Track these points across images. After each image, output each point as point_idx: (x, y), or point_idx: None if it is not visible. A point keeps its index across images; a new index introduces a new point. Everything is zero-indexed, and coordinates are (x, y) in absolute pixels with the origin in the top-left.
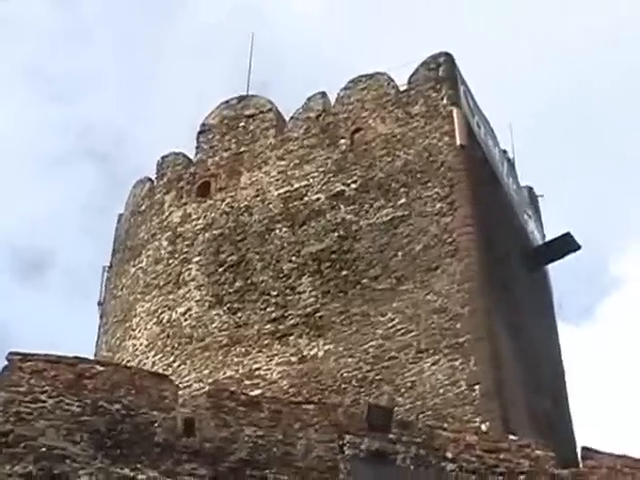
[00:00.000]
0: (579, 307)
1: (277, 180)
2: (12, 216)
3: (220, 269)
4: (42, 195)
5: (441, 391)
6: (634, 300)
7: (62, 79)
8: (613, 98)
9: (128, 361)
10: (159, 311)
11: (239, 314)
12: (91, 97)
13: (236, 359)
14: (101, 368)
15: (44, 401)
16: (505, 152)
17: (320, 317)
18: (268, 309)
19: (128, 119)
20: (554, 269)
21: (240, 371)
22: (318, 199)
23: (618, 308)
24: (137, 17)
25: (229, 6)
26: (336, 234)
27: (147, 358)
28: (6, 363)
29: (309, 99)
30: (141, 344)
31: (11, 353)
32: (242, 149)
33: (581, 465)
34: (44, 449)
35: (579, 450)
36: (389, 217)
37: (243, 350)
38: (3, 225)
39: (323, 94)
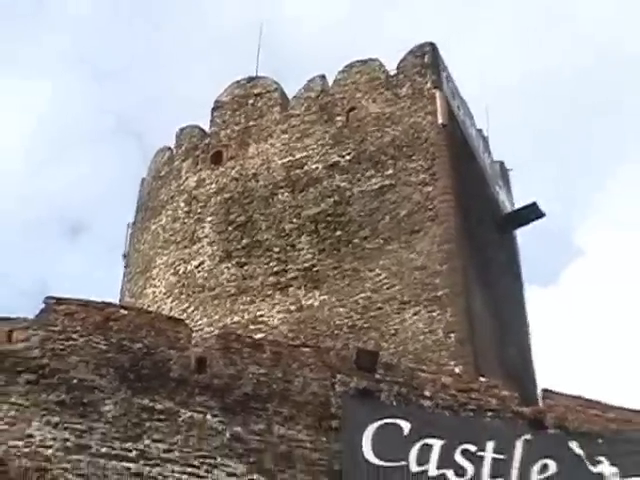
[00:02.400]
0: (546, 271)
1: (280, 151)
2: (59, 183)
3: (229, 228)
4: (86, 166)
5: (421, 338)
6: (594, 268)
7: (106, 67)
8: (581, 83)
9: (148, 306)
10: (176, 264)
11: (245, 267)
12: (127, 85)
13: (242, 307)
14: (125, 312)
15: (75, 339)
16: (480, 131)
17: (316, 271)
18: (271, 263)
19: (155, 100)
20: (522, 235)
21: (246, 317)
22: (316, 168)
23: (580, 274)
24: (168, 9)
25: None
26: (331, 199)
27: (165, 304)
28: (43, 306)
29: (310, 81)
30: (160, 292)
31: (47, 298)
32: (250, 123)
33: (541, 404)
34: (75, 381)
35: (540, 391)
36: (378, 185)
37: (248, 299)
38: (51, 191)
39: (322, 77)
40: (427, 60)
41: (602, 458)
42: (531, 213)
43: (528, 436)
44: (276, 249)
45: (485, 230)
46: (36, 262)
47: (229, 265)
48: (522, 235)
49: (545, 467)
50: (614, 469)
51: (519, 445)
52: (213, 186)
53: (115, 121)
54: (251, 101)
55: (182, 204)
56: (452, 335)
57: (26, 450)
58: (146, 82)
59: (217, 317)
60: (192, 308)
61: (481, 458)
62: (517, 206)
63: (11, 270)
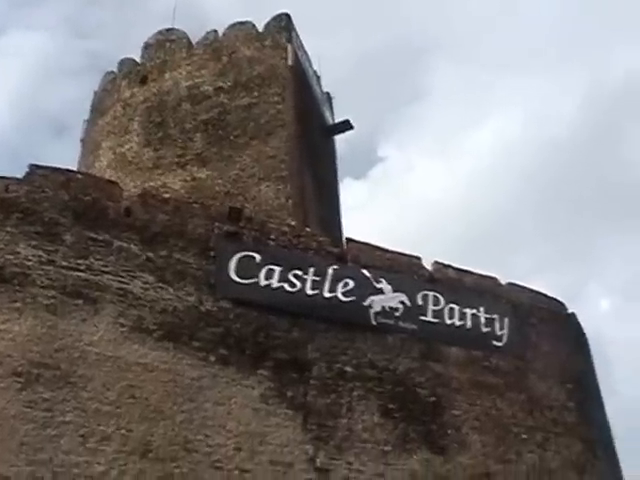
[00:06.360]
0: (359, 169)
1: (185, 77)
2: (53, 98)
3: (150, 125)
4: (68, 88)
5: (270, 202)
6: (389, 171)
7: (84, 27)
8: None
9: (95, 174)
10: (114, 147)
11: (160, 151)
12: (98, 35)
13: (156, 177)
14: (80, 176)
15: (48, 192)
16: (315, 71)
17: (205, 156)
18: (176, 150)
19: (116, 46)
20: (340, 141)
21: (158, 184)
22: (208, 89)
23: (380, 174)
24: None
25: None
26: (217, 110)
27: (106, 173)
28: (28, 170)
29: (207, 33)
30: (103, 165)
31: (31, 165)
32: (167, 58)
33: (345, 247)
34: (47, 219)
35: (344, 239)
36: (247, 103)
37: (160, 172)
38: (45, 103)
39: (215, 31)
40: (283, 24)
41: (382, 279)
42: (345, 125)
43: (335, 266)
44: (180, 140)
45: (315, 136)
46: (35, 150)
47: (149, 149)
48: (351, 143)
49: (346, 284)
50: (389, 286)
51: (330, 272)
52: (141, 98)
53: (85, 59)
54: (168, 44)
55: (120, 108)
56: (290, 201)
57: (15, 262)
58: (117, 37)
59: (139, 183)
60: (124, 176)
61: (305, 279)
62: (336, 121)
63: (20, 152)
